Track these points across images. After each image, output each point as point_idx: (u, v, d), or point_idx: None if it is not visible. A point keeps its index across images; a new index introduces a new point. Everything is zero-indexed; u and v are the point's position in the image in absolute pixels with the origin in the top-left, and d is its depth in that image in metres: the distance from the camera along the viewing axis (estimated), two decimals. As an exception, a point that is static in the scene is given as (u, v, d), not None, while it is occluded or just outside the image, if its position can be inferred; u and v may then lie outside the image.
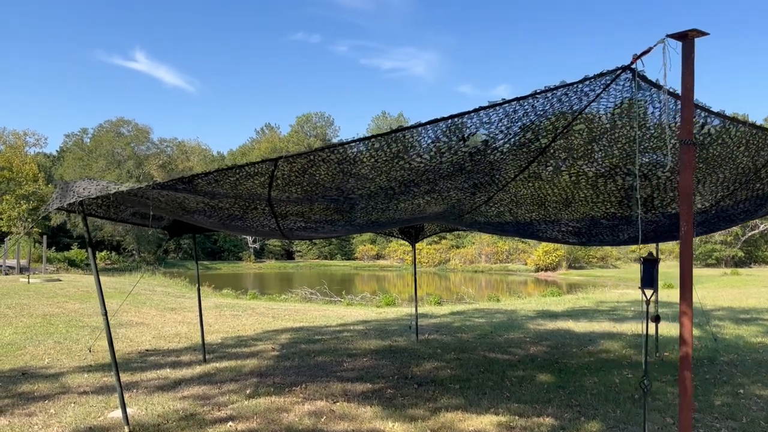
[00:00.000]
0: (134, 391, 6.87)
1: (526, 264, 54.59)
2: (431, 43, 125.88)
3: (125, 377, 7.50)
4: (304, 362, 8.59)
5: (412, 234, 10.62)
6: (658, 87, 3.40)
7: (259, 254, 68.63)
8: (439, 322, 13.53)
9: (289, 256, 71.47)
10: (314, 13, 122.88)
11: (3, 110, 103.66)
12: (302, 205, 5.51)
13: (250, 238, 62.55)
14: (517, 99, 3.52)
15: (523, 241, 56.36)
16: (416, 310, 11.11)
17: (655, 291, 4.70)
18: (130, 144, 59.53)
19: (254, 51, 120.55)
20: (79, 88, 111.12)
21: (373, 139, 3.97)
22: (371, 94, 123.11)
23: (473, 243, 60.47)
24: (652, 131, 4.03)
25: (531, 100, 3.56)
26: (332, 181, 4.74)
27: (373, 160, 4.30)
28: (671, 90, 3.37)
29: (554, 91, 3.48)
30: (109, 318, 5.26)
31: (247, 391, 6.84)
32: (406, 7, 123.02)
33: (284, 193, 4.98)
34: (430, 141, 4.05)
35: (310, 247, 70.26)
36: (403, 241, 14.65)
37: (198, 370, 8.04)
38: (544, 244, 49.34)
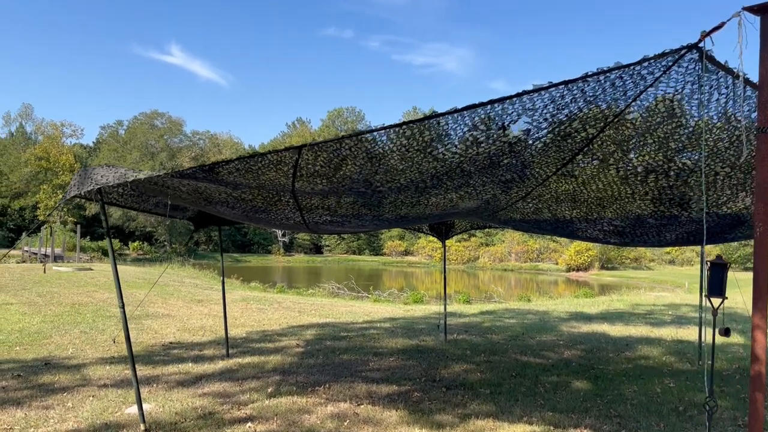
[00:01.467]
0: (154, 385, 6.70)
1: (557, 263, 53.54)
2: (463, 38, 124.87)
3: (147, 370, 7.36)
4: (329, 360, 8.33)
5: (442, 231, 10.28)
6: (729, 71, 3.00)
7: (289, 248, 68.94)
8: (469, 321, 13.16)
9: (317, 250, 71.70)
10: (347, 8, 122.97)
11: (41, 102, 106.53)
12: (328, 197, 5.23)
13: (279, 232, 62.87)
14: (565, 83, 3.17)
15: (554, 240, 55.35)
16: (445, 308, 10.77)
17: (724, 299, 4.28)
18: (164, 136, 60.29)
19: (287, 46, 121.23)
20: (115, 80, 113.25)
21: (404, 127, 3.66)
22: (403, 89, 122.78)
23: (503, 241, 59.62)
24: (716, 121, 3.62)
25: (581, 84, 3.20)
26: (360, 173, 4.45)
27: (403, 149, 3.99)
28: (744, 74, 2.97)
29: (607, 74, 3.12)
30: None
31: (269, 390, 6.61)
32: (438, 2, 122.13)
33: (309, 184, 4.71)
34: (466, 129, 3.72)
35: (339, 241, 70.38)
36: (431, 238, 14.36)
37: (220, 365, 7.86)
38: (576, 243, 48.28)
